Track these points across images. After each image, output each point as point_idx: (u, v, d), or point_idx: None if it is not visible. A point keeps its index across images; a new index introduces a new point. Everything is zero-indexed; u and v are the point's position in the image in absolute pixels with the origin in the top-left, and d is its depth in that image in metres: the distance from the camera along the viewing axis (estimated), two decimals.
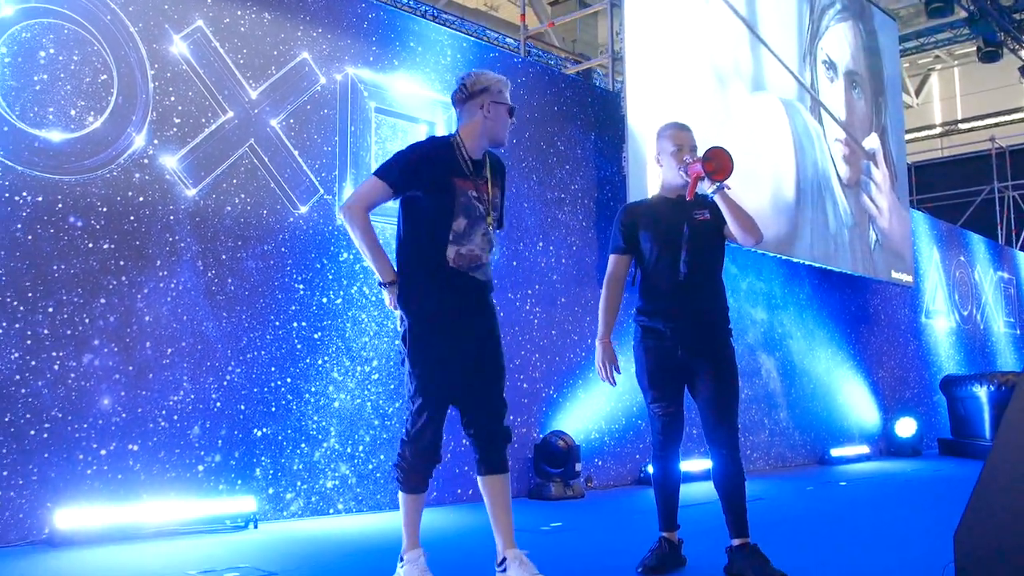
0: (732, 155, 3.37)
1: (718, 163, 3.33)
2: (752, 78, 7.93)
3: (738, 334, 8.40)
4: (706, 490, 3.78)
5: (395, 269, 3.12)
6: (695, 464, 7.25)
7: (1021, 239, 16.09)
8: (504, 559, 3.13)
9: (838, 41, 9.21)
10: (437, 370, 3.08)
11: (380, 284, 3.12)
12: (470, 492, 5.88)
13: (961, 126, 19.04)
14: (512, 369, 6.30)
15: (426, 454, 3.06)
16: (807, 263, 8.61)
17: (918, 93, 20.99)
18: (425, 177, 3.05)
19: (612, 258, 3.60)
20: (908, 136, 19.26)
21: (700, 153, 3.46)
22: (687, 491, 3.78)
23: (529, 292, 6.52)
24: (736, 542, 3.35)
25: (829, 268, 8.96)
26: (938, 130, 20.01)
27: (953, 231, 13.09)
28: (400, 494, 3.10)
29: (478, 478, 3.16)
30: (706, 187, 3.41)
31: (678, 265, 3.44)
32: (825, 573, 3.48)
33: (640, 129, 6.73)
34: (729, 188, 3.40)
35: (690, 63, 7.25)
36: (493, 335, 3.19)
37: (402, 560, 3.10)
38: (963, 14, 11.59)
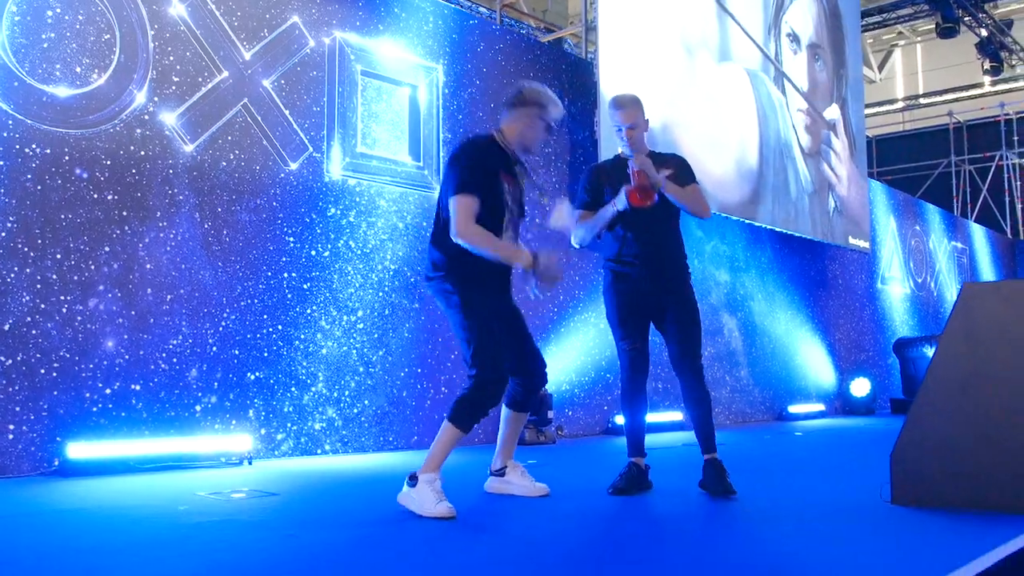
0: (648, 187, 3.70)
1: (641, 195, 3.70)
2: (719, 48, 8.27)
3: (702, 295, 8.80)
4: (671, 438, 4.17)
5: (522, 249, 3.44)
6: (663, 416, 7.67)
7: (975, 211, 16.67)
8: (503, 468, 3.71)
9: (802, 14, 9.57)
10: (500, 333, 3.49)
11: (525, 271, 3.37)
12: None
13: (921, 100, 19.53)
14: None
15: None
16: (769, 227, 9.02)
17: (881, 68, 21.43)
18: (485, 182, 3.40)
19: (576, 212, 3.94)
20: (871, 110, 19.79)
21: (624, 135, 3.88)
22: (657, 439, 4.20)
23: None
24: (706, 457, 3.80)
25: (790, 233, 9.38)
26: (900, 104, 20.50)
27: (909, 201, 13.59)
28: (452, 427, 3.35)
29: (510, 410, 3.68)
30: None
31: (634, 220, 3.81)
32: (778, 497, 3.87)
33: (611, 96, 7.03)
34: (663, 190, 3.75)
35: (660, 33, 7.56)
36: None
37: (413, 479, 3.31)
38: None
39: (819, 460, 5.57)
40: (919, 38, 20.63)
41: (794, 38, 9.31)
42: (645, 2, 7.43)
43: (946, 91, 18.27)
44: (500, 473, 3.77)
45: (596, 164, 4.18)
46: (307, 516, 3.32)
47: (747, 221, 8.61)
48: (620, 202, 3.78)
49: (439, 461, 3.36)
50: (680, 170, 3.89)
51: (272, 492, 3.89)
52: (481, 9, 13.14)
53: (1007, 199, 16.60)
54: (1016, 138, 16.70)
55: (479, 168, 3.40)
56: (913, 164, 17.36)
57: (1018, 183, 16.70)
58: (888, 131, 18.88)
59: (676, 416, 8.01)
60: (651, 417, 7.60)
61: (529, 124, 3.54)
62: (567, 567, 2.45)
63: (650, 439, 4.06)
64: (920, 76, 21.06)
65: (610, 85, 7.04)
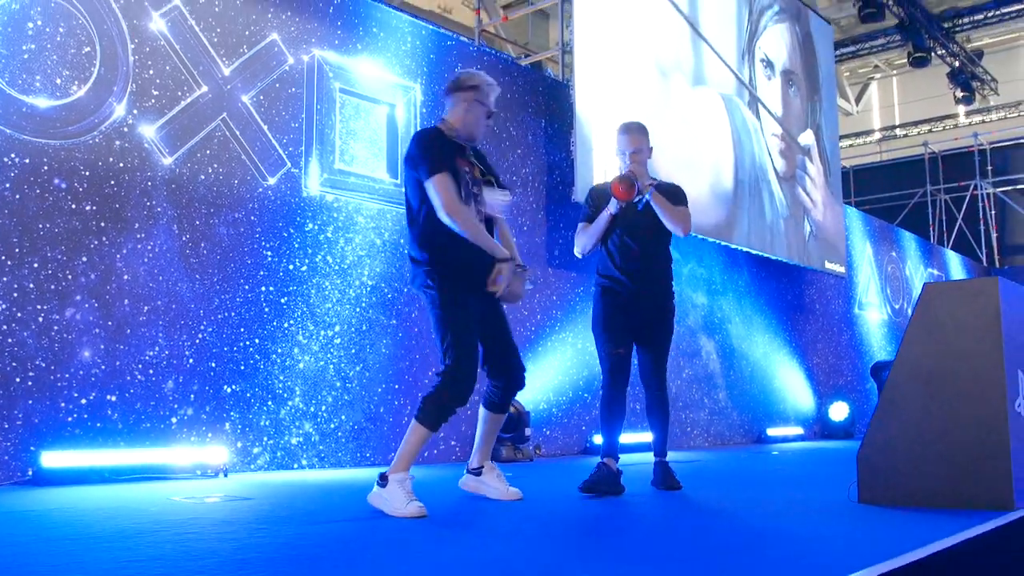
0: (630, 180, 4.01)
1: (624, 187, 4.00)
2: (693, 73, 8.43)
3: (680, 316, 8.84)
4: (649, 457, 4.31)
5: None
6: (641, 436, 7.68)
7: (951, 239, 16.89)
8: (480, 467, 3.77)
9: (775, 41, 9.77)
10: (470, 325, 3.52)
11: (498, 261, 3.42)
12: (426, 454, 6.24)
13: (898, 131, 19.86)
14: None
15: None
16: (744, 250, 9.12)
17: (858, 101, 21.78)
18: (448, 162, 3.44)
19: (581, 224, 4.30)
20: (848, 141, 20.08)
21: (627, 157, 4.19)
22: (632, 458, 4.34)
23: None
24: (659, 459, 4.21)
25: (766, 255, 9.49)
26: (877, 135, 20.82)
27: (885, 228, 13.77)
28: (420, 426, 3.37)
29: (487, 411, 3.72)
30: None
31: (627, 239, 4.16)
32: (747, 498, 3.91)
33: (587, 117, 7.16)
34: (648, 197, 4.10)
35: (635, 57, 7.71)
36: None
37: (384, 479, 3.32)
38: (894, 21, 12.24)
39: (793, 472, 5.61)
40: (895, 71, 21.01)
41: (768, 64, 9.49)
42: (620, 26, 7.58)
43: (921, 122, 18.58)
44: (477, 472, 3.82)
45: (596, 186, 4.52)
46: (278, 516, 3.33)
47: (723, 243, 8.71)
48: (612, 204, 4.10)
49: (408, 461, 3.37)
50: (674, 193, 4.23)
51: (246, 497, 3.90)
52: (461, 37, 13.34)
53: (982, 227, 16.83)
54: (990, 168, 16.98)
55: (436, 150, 3.45)
56: (890, 194, 17.60)
57: (992, 212, 16.95)
58: (865, 162, 19.15)
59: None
60: (633, 437, 7.65)
61: (468, 109, 3.56)
62: (533, 561, 2.48)
63: (631, 458, 4.25)
64: (896, 108, 21.42)
65: (586, 107, 7.16)
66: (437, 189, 3.37)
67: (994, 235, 16.95)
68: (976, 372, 3.47)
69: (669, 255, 4.31)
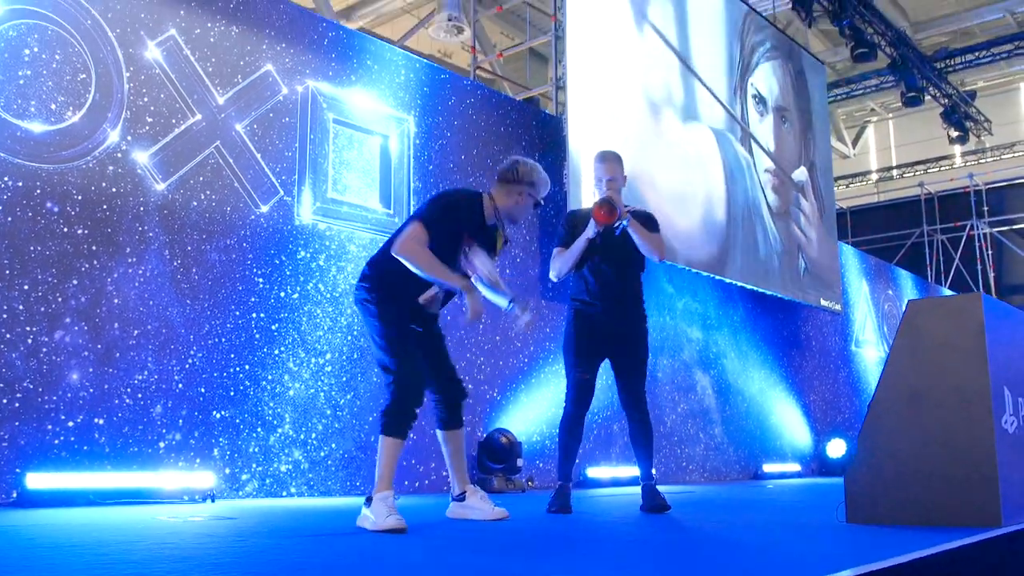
0: (612, 205, 4.10)
1: (605, 211, 4.08)
2: (685, 108, 8.52)
3: (674, 351, 8.89)
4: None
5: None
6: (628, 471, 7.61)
7: (949, 279, 16.91)
8: (463, 493, 3.74)
9: (768, 77, 9.88)
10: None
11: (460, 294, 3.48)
12: (417, 484, 6.21)
13: (894, 173, 20.03)
14: (457, 371, 6.68)
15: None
16: (739, 284, 9.14)
17: (855, 144, 21.98)
18: (445, 229, 3.52)
19: (556, 249, 4.34)
20: (845, 183, 20.23)
21: (604, 184, 4.27)
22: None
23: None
24: (647, 483, 4.20)
25: (760, 290, 9.51)
26: (874, 177, 20.98)
27: (881, 266, 13.80)
28: (388, 439, 3.41)
29: (442, 432, 3.71)
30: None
31: (603, 264, 4.23)
32: (733, 520, 3.88)
33: (580, 151, 7.23)
34: (626, 224, 4.15)
35: (627, 92, 7.80)
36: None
37: (369, 501, 3.37)
38: (887, 61, 12.41)
39: (785, 501, 5.57)
40: (891, 114, 21.22)
41: (760, 100, 9.60)
42: (612, 62, 7.68)
43: (917, 163, 18.73)
44: (460, 498, 3.80)
45: (573, 210, 4.66)
46: (259, 531, 3.31)
47: (716, 277, 8.74)
48: (590, 229, 4.16)
49: (387, 478, 3.41)
50: (648, 219, 4.31)
51: (230, 518, 3.87)
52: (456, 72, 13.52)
53: (979, 267, 16.86)
54: (986, 208, 17.06)
55: (447, 215, 3.56)
56: (887, 234, 17.68)
57: (989, 252, 16.99)
58: (863, 202, 19.26)
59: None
60: (625, 471, 7.58)
61: (519, 200, 3.71)
62: (507, 567, 2.46)
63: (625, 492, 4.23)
64: (893, 151, 21.60)
65: (578, 141, 7.23)
66: (410, 230, 3.49)
67: (991, 274, 16.97)
68: (961, 389, 3.46)
69: (640, 281, 4.37)
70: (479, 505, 3.77)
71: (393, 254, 3.49)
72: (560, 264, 4.26)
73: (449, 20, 13.82)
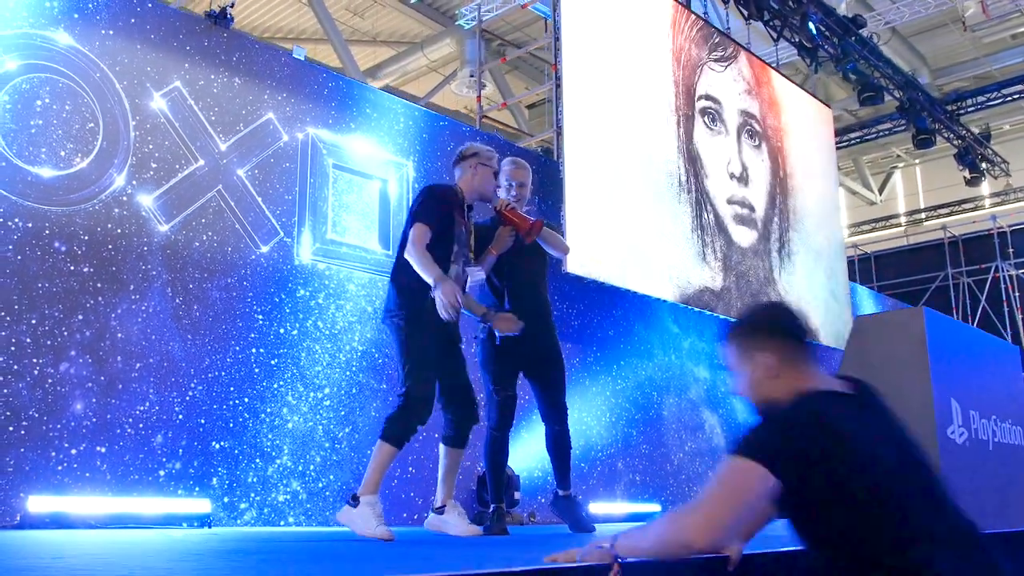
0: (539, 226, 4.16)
1: (535, 232, 4.08)
2: (676, 151, 8.74)
3: (680, 390, 8.98)
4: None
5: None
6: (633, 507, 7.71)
7: (975, 321, 16.76)
8: (443, 505, 3.92)
9: (754, 109, 10.09)
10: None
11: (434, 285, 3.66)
12: (416, 517, 6.34)
13: (923, 215, 20.06)
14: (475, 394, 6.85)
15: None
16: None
17: (882, 190, 22.01)
18: (440, 216, 3.80)
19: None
20: (869, 227, 20.24)
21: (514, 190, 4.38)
22: None
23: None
24: (560, 492, 4.26)
25: None
26: (903, 221, 20.99)
27: (899, 308, 13.77)
28: (385, 444, 3.63)
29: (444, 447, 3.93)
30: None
31: (509, 280, 4.30)
32: None
33: (576, 194, 7.45)
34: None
35: (621, 136, 8.04)
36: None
37: (355, 500, 3.59)
38: (895, 103, 12.57)
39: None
40: (917, 160, 21.26)
41: (753, 135, 9.78)
42: (607, 107, 7.94)
43: (941, 207, 18.73)
44: (440, 511, 3.97)
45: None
46: (248, 548, 3.48)
47: (721, 316, 8.85)
48: (503, 245, 4.13)
49: (376, 481, 3.63)
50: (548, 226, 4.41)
51: (224, 538, 4.05)
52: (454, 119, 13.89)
53: (1006, 309, 16.70)
54: (1011, 250, 16.95)
55: (436, 204, 3.82)
56: (912, 278, 17.61)
57: (1016, 294, 16.83)
58: (887, 247, 19.23)
59: (652, 508, 8.06)
60: (629, 507, 7.62)
61: (475, 173, 3.98)
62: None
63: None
64: (921, 195, 21.57)
65: (575, 183, 7.46)
66: (416, 235, 3.72)
67: (1019, 316, 16.79)
68: (907, 402, 3.57)
69: (547, 289, 4.50)
70: (455, 521, 3.94)
71: (406, 257, 3.73)
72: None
73: (471, 76, 14.23)
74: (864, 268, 17.87)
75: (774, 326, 2.12)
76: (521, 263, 4.32)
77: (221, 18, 5.87)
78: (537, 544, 3.27)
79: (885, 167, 21.86)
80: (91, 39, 5.29)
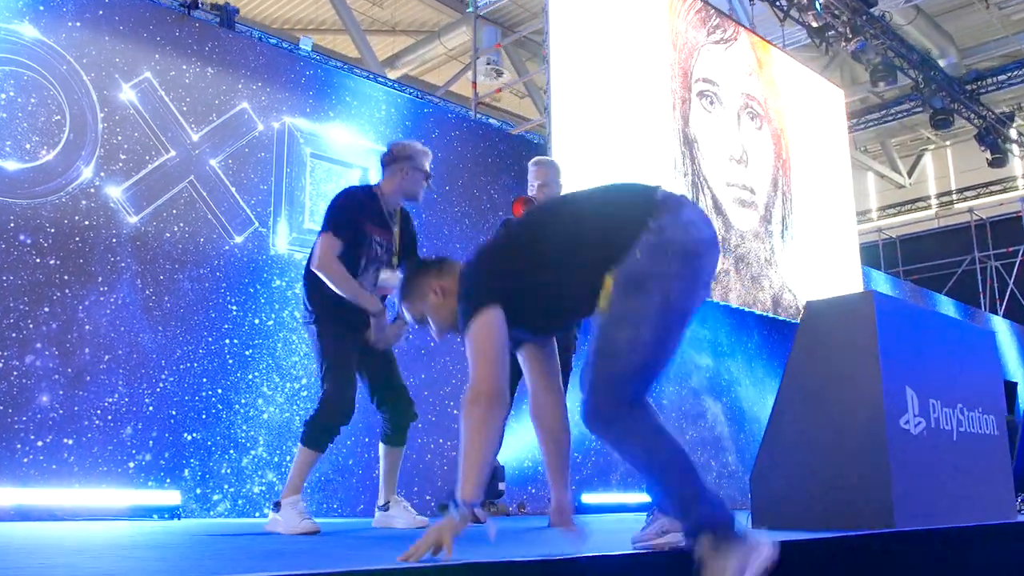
0: (531, 202, 4.28)
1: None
2: (669, 132, 8.57)
3: (681, 379, 8.84)
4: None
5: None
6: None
7: (1003, 305, 16.37)
8: (387, 502, 3.93)
9: (757, 89, 9.87)
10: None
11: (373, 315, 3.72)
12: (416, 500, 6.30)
13: (952, 197, 19.66)
14: (443, 395, 6.80)
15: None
16: (747, 310, 9.06)
17: (911, 173, 21.57)
18: (349, 225, 3.76)
19: None
20: (899, 211, 19.86)
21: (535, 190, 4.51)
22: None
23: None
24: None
25: (771, 316, 9.40)
26: (933, 204, 20.56)
27: (919, 294, 13.47)
28: (305, 448, 3.70)
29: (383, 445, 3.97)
30: None
31: None
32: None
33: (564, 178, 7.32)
34: None
35: (609, 115, 7.89)
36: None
37: (277, 506, 3.62)
38: (909, 83, 12.26)
39: None
40: (948, 141, 20.79)
41: (754, 116, 9.57)
42: (594, 86, 7.80)
43: (967, 189, 18.30)
44: (385, 508, 3.96)
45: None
46: (202, 538, 3.46)
47: (720, 302, 8.69)
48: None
49: (298, 484, 3.67)
50: None
51: (193, 532, 4.03)
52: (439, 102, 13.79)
53: None
54: None
55: (344, 212, 3.77)
56: (938, 262, 17.24)
57: None
58: (915, 230, 18.85)
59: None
60: (624, 497, 7.54)
61: (404, 176, 3.94)
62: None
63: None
64: (952, 177, 21.11)
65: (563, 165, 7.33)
66: (320, 244, 3.70)
67: None
68: (856, 389, 3.45)
69: None
70: (401, 515, 3.93)
71: (315, 271, 3.69)
72: None
73: (488, 64, 14.12)
74: (889, 252, 17.51)
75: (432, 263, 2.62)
76: None
77: (193, 8, 5.85)
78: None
79: (915, 149, 21.42)
80: (57, 31, 5.28)
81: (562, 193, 4.44)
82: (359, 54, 13.81)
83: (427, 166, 4.00)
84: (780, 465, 3.56)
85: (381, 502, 4.00)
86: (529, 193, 4.47)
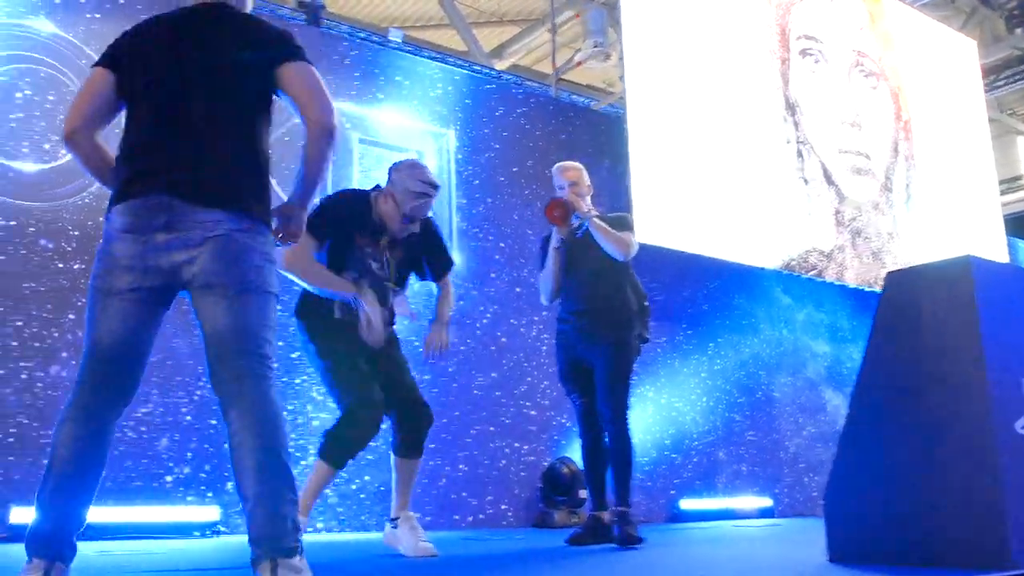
0: (563, 204, 3.85)
1: (558, 212, 3.84)
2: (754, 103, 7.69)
3: (795, 368, 7.98)
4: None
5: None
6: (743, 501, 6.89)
7: None
8: (397, 517, 3.48)
9: (875, 49, 8.79)
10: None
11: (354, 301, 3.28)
12: (470, 519, 5.82)
13: None
14: (518, 395, 6.28)
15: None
16: (867, 289, 8.09)
17: None
18: (331, 232, 3.32)
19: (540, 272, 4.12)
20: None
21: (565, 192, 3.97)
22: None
23: (535, 319, 6.47)
24: (618, 508, 3.77)
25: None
26: None
27: None
28: (322, 463, 3.30)
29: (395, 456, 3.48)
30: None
31: (571, 277, 3.95)
32: (718, 560, 3.24)
33: (644, 154, 6.64)
34: (586, 225, 3.86)
35: (688, 87, 7.11)
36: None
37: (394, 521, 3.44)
38: None
39: None
40: None
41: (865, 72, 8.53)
42: (670, 56, 7.06)
43: None
44: (395, 523, 3.51)
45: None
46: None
47: (836, 282, 7.77)
48: (554, 239, 3.91)
49: (308, 504, 3.25)
50: (619, 221, 3.97)
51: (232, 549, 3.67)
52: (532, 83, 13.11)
53: None
54: None
55: (323, 215, 3.31)
56: None
57: None
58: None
59: (762, 502, 7.20)
60: (733, 502, 6.84)
61: (394, 199, 3.39)
62: None
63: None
64: None
65: (638, 141, 6.64)
66: (290, 249, 3.19)
67: None
68: (955, 385, 2.66)
69: (623, 288, 3.95)
70: (406, 538, 3.45)
71: (280, 271, 3.22)
72: (541, 286, 4.03)
73: (595, 47, 13.47)
74: None
75: None
76: (582, 255, 3.93)
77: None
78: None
79: None
80: (75, 25, 5.02)
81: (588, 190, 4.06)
82: (465, 47, 13.45)
83: (416, 186, 3.38)
84: (858, 483, 2.82)
85: (393, 515, 3.54)
86: (559, 195, 3.97)
